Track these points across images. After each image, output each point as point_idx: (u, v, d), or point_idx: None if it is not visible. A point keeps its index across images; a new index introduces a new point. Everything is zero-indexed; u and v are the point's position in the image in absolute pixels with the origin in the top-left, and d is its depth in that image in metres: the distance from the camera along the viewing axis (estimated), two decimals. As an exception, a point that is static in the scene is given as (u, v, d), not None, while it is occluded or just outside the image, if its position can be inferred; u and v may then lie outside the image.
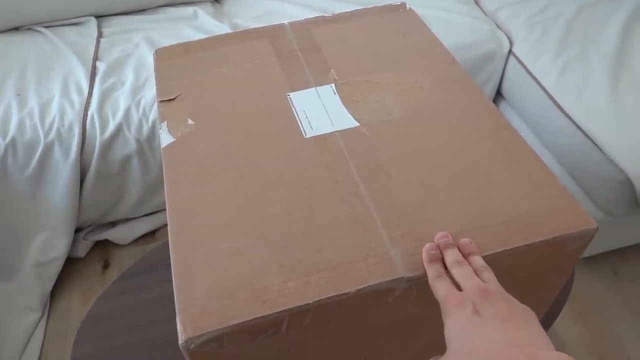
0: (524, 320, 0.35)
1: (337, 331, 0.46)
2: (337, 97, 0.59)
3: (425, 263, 0.42)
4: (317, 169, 0.51)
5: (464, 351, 0.34)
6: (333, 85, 0.60)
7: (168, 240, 0.47)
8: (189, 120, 0.57)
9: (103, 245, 1.31)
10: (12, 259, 1.15)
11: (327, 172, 0.50)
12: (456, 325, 0.36)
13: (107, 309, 0.82)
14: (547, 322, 0.80)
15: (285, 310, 0.40)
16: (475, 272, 0.40)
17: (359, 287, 0.41)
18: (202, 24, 1.34)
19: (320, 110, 0.57)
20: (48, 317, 1.18)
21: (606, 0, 1.34)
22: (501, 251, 0.43)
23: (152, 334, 0.78)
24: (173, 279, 0.43)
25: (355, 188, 0.49)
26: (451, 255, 0.41)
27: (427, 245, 0.43)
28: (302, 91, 0.60)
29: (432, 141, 0.53)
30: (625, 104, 1.06)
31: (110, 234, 1.29)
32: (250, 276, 0.42)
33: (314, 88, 0.60)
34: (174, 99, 0.60)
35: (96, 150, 1.12)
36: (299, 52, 0.66)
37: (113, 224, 1.32)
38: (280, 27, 0.70)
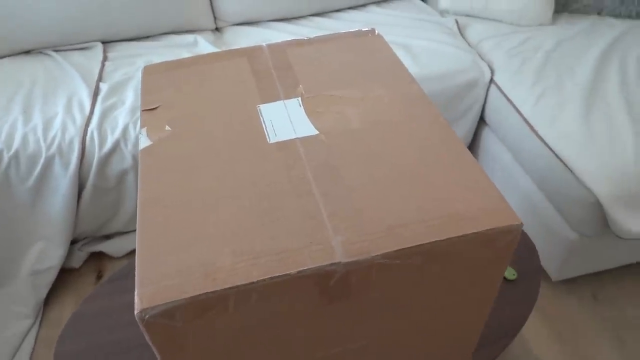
0: None
1: (285, 320, 0.50)
2: (301, 109, 0.64)
3: None
4: (278, 169, 0.56)
5: None
6: (299, 98, 0.66)
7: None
8: (167, 127, 0.63)
9: (98, 257, 1.36)
10: (9, 266, 1.21)
11: (286, 173, 0.56)
12: None
13: (94, 309, 0.87)
14: (512, 329, 0.83)
15: (232, 287, 0.45)
16: None
17: (299, 269, 0.46)
18: (201, 50, 1.42)
19: (285, 120, 0.63)
20: (40, 324, 1.22)
21: (583, 35, 1.41)
22: (436, 241, 0.48)
23: (134, 333, 0.82)
24: (136, 263, 0.48)
25: (309, 187, 0.54)
26: None
27: None
28: (271, 103, 0.66)
29: (385, 148, 0.58)
30: (596, 130, 1.11)
31: (105, 246, 1.35)
32: (205, 258, 0.47)
33: (282, 101, 0.66)
34: (155, 108, 0.66)
35: (94, 165, 1.18)
36: (273, 69, 0.72)
37: (108, 236, 1.37)
38: (259, 47, 0.77)
